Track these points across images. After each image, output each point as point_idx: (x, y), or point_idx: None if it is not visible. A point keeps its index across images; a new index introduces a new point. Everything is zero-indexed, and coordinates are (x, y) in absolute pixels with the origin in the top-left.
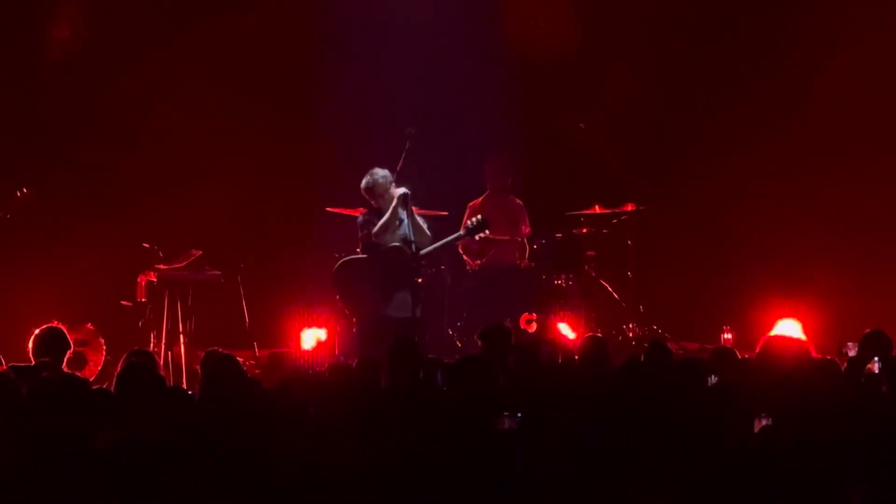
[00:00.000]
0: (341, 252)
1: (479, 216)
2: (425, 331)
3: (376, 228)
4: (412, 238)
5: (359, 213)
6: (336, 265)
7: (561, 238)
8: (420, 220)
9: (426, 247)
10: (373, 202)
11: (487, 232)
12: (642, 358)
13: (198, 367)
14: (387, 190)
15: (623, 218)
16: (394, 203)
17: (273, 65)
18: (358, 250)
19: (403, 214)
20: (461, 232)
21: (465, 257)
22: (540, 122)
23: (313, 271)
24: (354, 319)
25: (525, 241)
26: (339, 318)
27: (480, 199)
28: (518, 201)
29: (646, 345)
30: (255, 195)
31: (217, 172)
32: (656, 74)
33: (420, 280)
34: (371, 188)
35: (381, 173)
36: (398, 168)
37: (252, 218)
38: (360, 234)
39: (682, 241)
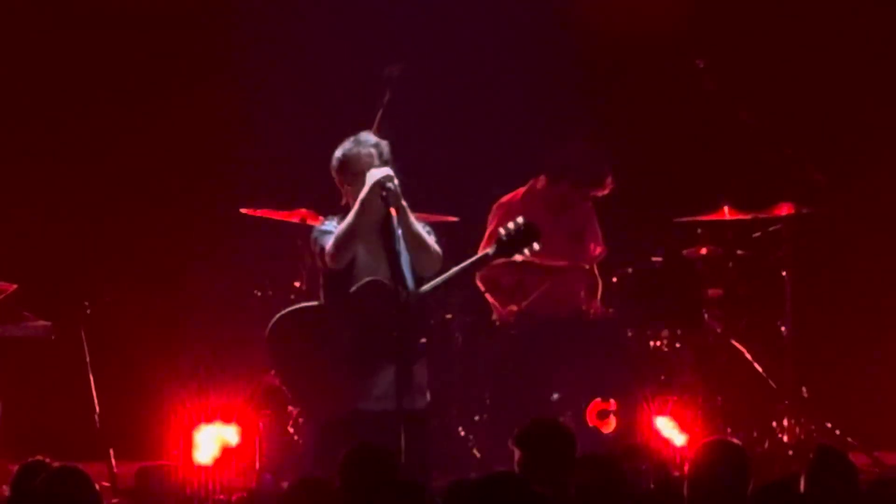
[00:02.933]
0: (267, 290)
1: (520, 219)
2: (430, 433)
3: (332, 239)
4: (406, 260)
5: (314, 220)
6: (273, 322)
7: (662, 265)
8: (420, 227)
9: (432, 274)
10: (346, 191)
11: (536, 247)
12: (805, 479)
13: (7, 489)
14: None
15: (774, 229)
16: (363, 191)
17: None
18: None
19: (395, 221)
20: (489, 250)
21: (490, 298)
22: (622, 64)
23: (217, 322)
24: (296, 415)
25: (596, 269)
26: (262, 408)
27: (520, 193)
28: (585, 201)
29: (812, 455)
30: (110, 191)
31: (45, 157)
32: None
33: (423, 340)
34: (347, 163)
35: (370, 141)
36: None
37: (106, 229)
38: (317, 261)
39: (875, 269)
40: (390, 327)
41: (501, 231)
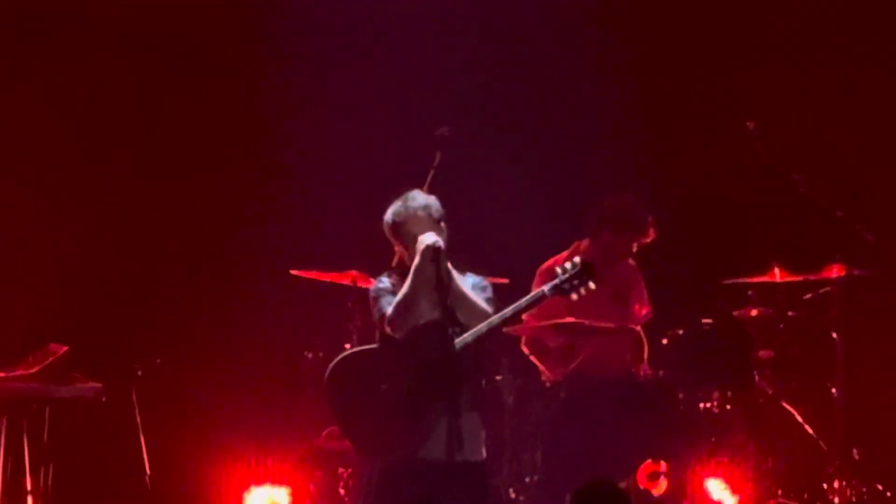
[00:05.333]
0: (318, 351)
1: (577, 259)
2: (489, 486)
3: (392, 306)
4: (454, 316)
5: (365, 281)
6: (331, 366)
7: (712, 327)
8: (468, 288)
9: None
10: (399, 252)
11: (592, 286)
12: None
13: None
14: (425, 231)
15: (824, 290)
16: (416, 261)
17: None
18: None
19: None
20: (544, 288)
21: (537, 361)
22: (670, 126)
23: (268, 384)
24: (346, 477)
25: (643, 330)
26: (313, 469)
27: (563, 257)
28: (630, 262)
29: None
30: (161, 251)
31: (96, 218)
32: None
33: (482, 382)
34: (398, 225)
35: (419, 200)
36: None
37: (157, 291)
38: (374, 315)
39: None
40: (442, 371)
41: (558, 269)
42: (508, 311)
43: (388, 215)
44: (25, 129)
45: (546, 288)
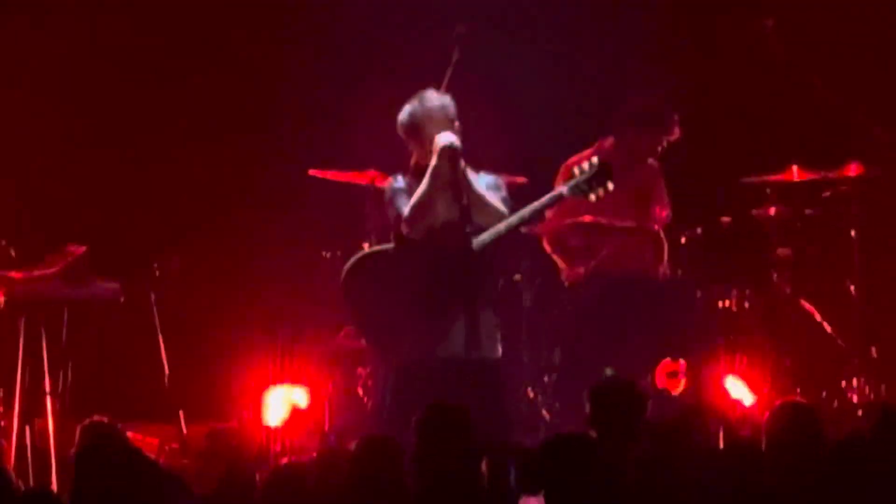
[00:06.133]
0: (336, 251)
1: (594, 159)
2: (504, 383)
3: (409, 206)
4: (470, 216)
5: (383, 181)
6: (347, 266)
7: (730, 225)
8: (483, 188)
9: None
10: (414, 151)
11: (611, 187)
12: (869, 437)
13: (74, 453)
14: (440, 131)
15: (842, 189)
16: (432, 162)
17: None
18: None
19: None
20: (562, 189)
21: (557, 258)
22: (689, 23)
23: (285, 283)
24: (365, 376)
25: (662, 230)
26: (332, 369)
27: (587, 154)
28: (653, 163)
29: (876, 415)
30: (178, 152)
31: (114, 120)
32: None
33: (499, 281)
34: (414, 124)
35: (434, 100)
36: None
37: (175, 190)
38: (390, 215)
39: None
40: (459, 270)
41: (576, 170)
42: (526, 211)
43: (403, 115)
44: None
45: (564, 189)
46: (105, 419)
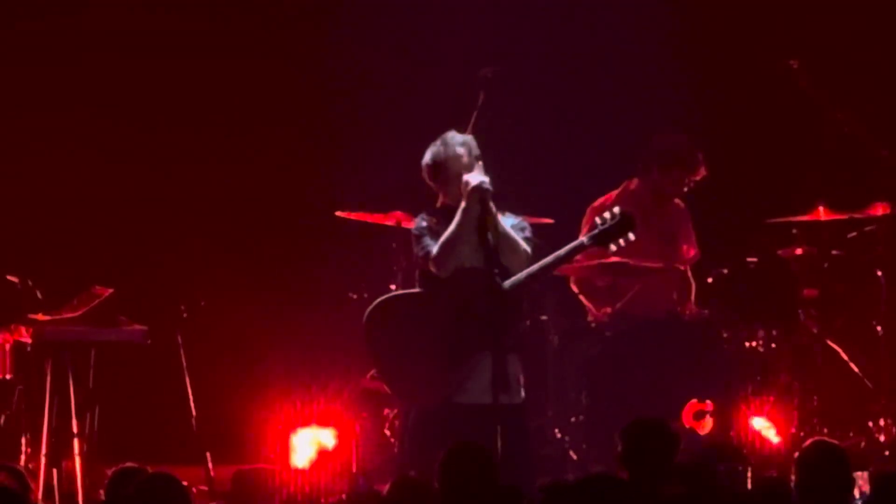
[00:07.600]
0: (362, 292)
1: (616, 209)
2: (528, 428)
3: (437, 246)
4: (497, 258)
5: (409, 222)
6: (370, 309)
7: (756, 266)
8: (509, 227)
9: (519, 271)
10: (440, 192)
11: (632, 237)
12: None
13: (103, 495)
14: (467, 171)
15: (868, 229)
16: (463, 203)
17: None
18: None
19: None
20: (584, 239)
21: (583, 299)
22: (716, 66)
23: (313, 325)
24: (392, 417)
25: (690, 270)
26: (359, 410)
27: (612, 196)
28: (679, 203)
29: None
30: (206, 193)
31: (144, 163)
32: None
33: (521, 328)
34: (438, 166)
35: (457, 141)
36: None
37: (203, 234)
38: (416, 254)
39: None
40: (486, 315)
41: (597, 220)
42: (549, 259)
43: (428, 157)
44: (72, 70)
45: (585, 239)
46: (135, 465)
